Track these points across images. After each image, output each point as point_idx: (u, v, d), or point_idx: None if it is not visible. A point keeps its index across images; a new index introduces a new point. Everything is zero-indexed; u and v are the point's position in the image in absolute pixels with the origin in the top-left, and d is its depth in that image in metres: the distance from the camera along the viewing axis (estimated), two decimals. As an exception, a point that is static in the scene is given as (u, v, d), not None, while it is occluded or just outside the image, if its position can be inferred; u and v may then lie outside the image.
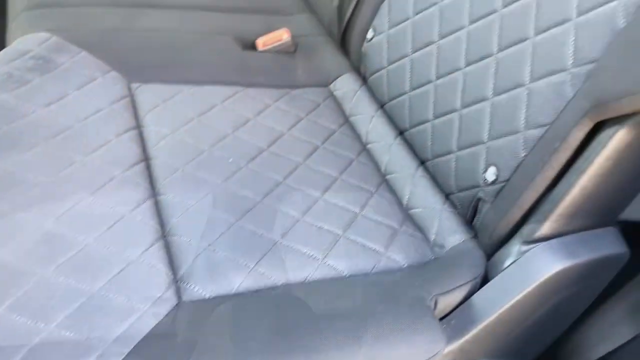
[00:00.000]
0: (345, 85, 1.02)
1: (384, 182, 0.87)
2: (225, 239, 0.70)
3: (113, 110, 0.84)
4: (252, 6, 1.16)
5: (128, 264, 0.65)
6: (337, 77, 1.04)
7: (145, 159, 0.79)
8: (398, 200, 0.84)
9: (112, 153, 0.78)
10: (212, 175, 0.78)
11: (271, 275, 0.68)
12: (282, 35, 1.05)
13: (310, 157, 0.86)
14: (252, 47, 1.05)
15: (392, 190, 0.86)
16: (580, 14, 0.64)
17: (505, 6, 0.73)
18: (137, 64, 0.93)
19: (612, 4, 0.61)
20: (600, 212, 0.69)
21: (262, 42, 1.05)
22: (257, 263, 0.69)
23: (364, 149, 0.92)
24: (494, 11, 0.74)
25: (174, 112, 0.87)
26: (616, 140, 0.61)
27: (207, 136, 0.84)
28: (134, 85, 0.90)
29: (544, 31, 0.68)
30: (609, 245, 0.70)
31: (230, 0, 1.15)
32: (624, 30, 0.60)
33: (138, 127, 0.84)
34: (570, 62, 0.64)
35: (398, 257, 0.75)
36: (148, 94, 0.89)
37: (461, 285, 0.70)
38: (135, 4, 1.06)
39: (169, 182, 0.76)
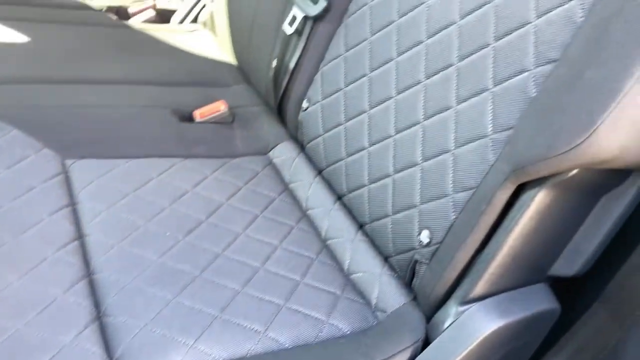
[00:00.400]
0: (284, 153, 1.04)
1: (325, 248, 0.88)
2: (163, 317, 0.69)
3: (46, 188, 0.83)
4: (188, 79, 1.18)
5: (60, 349, 0.63)
6: (276, 145, 1.05)
7: (80, 237, 0.77)
8: (339, 266, 0.85)
9: (44, 232, 0.76)
10: (148, 251, 0.77)
11: (211, 352, 0.67)
12: (219, 107, 1.07)
13: (250, 226, 0.87)
14: (190, 119, 1.07)
15: (332, 256, 0.87)
16: (496, 84, 0.69)
17: (428, 77, 0.77)
18: (71, 140, 0.92)
19: (524, 75, 0.66)
20: (530, 270, 0.72)
21: (199, 114, 1.06)
22: (196, 340, 0.67)
23: (303, 215, 0.93)
24: (419, 82, 0.78)
25: (110, 187, 0.86)
26: (537, 201, 0.64)
27: (144, 211, 0.83)
28: (68, 162, 0.89)
29: (465, 100, 0.72)
30: (540, 301, 0.73)
31: (167, 74, 1.17)
32: (535, 99, 0.64)
33: (72, 204, 0.82)
34: (490, 128, 0.68)
35: (340, 324, 0.75)
36: (83, 170, 0.88)
37: (403, 350, 0.71)
38: (68, 80, 1.06)
39: (104, 260, 0.75)
